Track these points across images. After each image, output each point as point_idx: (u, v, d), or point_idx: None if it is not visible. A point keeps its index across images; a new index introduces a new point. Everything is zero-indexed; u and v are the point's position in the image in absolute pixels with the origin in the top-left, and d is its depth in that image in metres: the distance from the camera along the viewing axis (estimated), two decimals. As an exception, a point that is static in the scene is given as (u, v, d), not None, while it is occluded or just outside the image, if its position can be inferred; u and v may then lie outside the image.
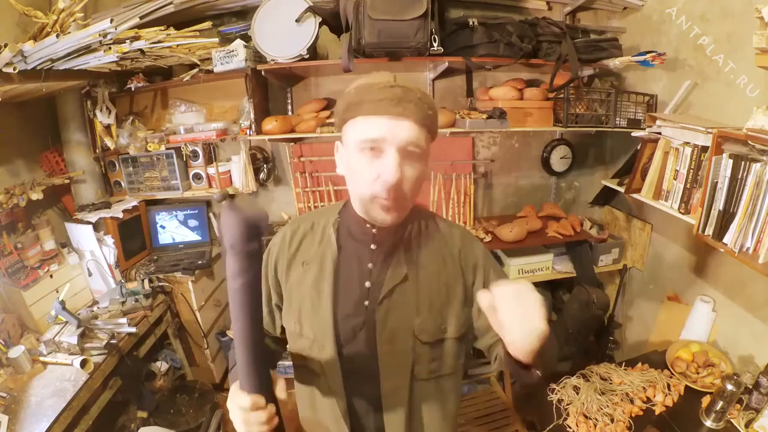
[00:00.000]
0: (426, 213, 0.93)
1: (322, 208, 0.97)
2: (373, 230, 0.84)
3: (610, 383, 1.54)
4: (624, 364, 1.63)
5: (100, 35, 1.42)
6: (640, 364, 1.62)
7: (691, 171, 1.50)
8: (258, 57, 1.91)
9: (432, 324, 0.83)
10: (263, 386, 0.67)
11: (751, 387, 1.37)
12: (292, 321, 0.87)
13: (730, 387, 1.28)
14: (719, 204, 1.33)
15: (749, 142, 1.23)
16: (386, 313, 0.82)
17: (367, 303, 0.83)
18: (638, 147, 1.84)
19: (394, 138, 0.72)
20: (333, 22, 1.85)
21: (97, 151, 2.12)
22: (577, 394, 1.49)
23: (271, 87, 2.27)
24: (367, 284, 0.84)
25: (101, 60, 1.53)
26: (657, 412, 1.41)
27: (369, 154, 0.73)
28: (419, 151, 0.74)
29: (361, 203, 0.80)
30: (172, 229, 2.43)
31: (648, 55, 1.81)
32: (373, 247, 0.85)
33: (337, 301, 0.83)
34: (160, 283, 2.13)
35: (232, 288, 0.63)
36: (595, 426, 1.37)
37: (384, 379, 0.83)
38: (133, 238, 2.26)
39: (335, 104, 0.81)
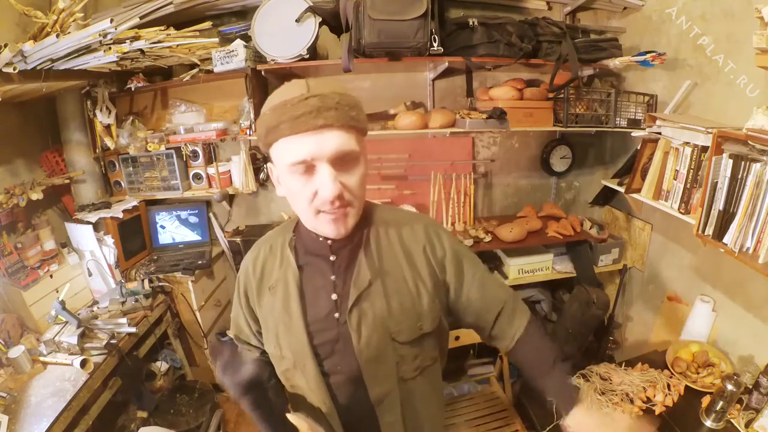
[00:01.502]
0: (381, 210, 0.90)
1: (278, 228, 0.94)
2: (329, 242, 0.82)
3: (610, 383, 1.54)
4: (624, 364, 1.62)
5: (100, 35, 1.42)
6: (640, 364, 1.62)
7: (691, 171, 1.49)
8: (258, 57, 1.91)
9: (407, 323, 0.82)
10: None
11: (751, 387, 1.37)
12: (272, 345, 0.87)
13: (730, 387, 1.28)
14: (719, 204, 1.32)
15: (749, 142, 1.23)
16: (358, 322, 0.80)
17: (337, 315, 0.82)
18: (638, 147, 1.84)
19: (322, 152, 0.68)
20: (333, 22, 1.84)
21: (97, 151, 2.12)
22: (577, 394, 1.49)
23: (271, 87, 2.26)
24: (334, 297, 0.82)
25: (101, 60, 1.53)
26: (657, 412, 1.41)
27: (302, 174, 0.71)
28: (353, 154, 0.72)
29: (308, 221, 0.78)
30: (172, 229, 2.43)
31: (648, 55, 1.80)
32: (332, 258, 0.83)
33: (307, 319, 0.82)
34: (160, 283, 2.13)
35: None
36: (595, 426, 1.37)
37: (371, 387, 0.82)
38: (133, 238, 2.26)
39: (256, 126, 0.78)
